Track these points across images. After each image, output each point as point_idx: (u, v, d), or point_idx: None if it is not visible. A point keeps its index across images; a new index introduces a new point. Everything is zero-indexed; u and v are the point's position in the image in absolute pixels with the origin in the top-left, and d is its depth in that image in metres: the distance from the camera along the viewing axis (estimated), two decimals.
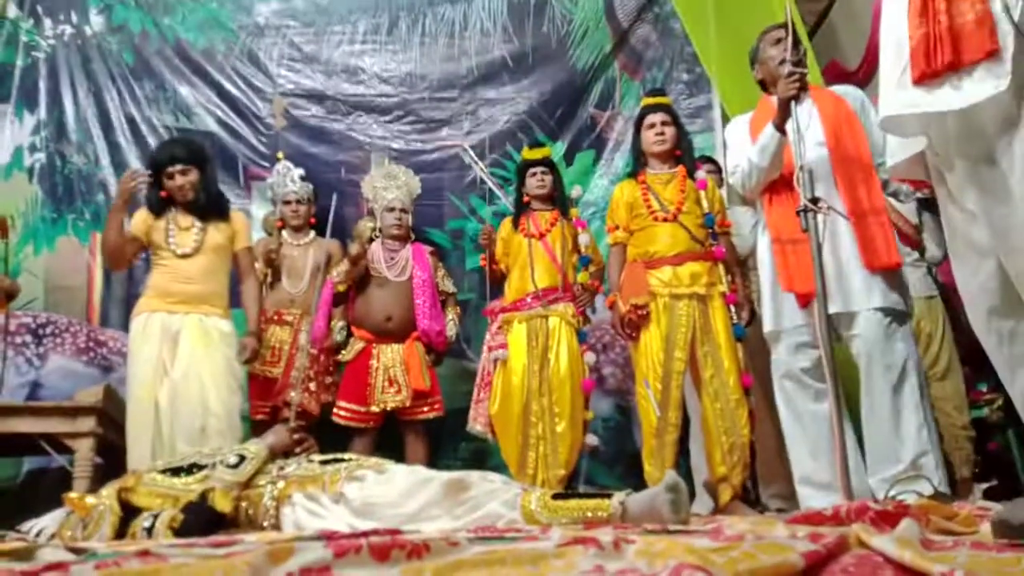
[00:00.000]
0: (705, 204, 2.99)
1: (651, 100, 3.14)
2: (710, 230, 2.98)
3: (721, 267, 2.95)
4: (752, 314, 2.95)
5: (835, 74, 3.86)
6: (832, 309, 2.22)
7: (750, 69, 2.73)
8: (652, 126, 3.04)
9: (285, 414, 3.36)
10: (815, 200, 1.99)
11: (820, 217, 1.98)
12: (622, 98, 4.24)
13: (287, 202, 3.67)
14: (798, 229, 2.11)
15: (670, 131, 3.04)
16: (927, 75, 1.60)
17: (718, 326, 2.83)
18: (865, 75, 3.46)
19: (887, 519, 1.25)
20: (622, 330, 2.92)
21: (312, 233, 3.70)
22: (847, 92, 2.53)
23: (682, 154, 3.08)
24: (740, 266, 3.06)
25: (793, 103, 2.21)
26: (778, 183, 2.46)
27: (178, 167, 2.94)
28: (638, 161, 3.12)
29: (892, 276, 2.31)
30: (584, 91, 4.24)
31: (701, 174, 3.06)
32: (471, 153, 3.96)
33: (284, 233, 3.68)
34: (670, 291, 2.85)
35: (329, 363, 3.49)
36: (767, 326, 2.49)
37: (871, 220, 2.28)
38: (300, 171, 3.73)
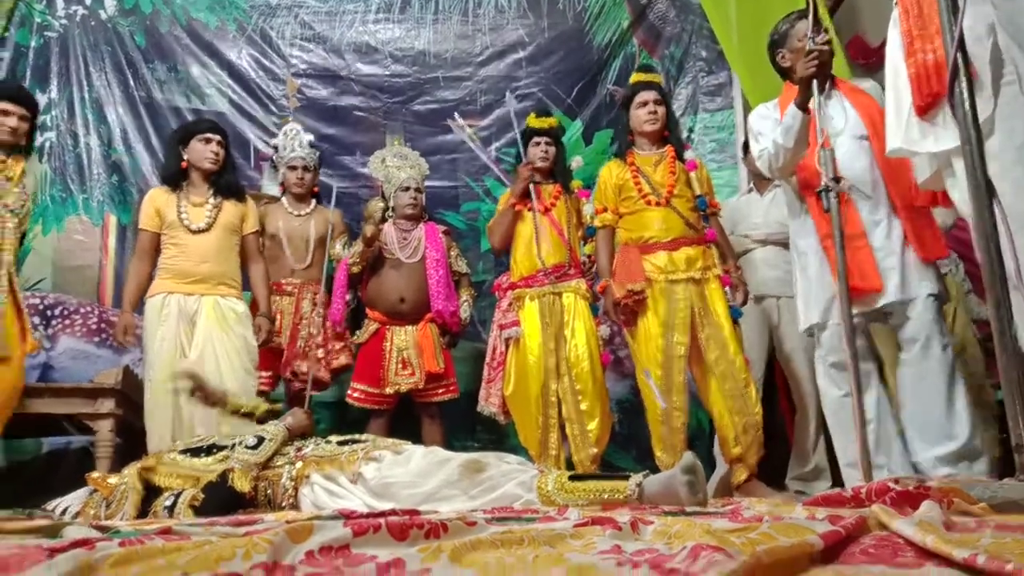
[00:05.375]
0: (696, 186, 2.94)
1: (643, 77, 3.06)
2: (702, 212, 2.94)
3: (714, 249, 2.92)
4: (746, 295, 2.92)
5: (858, 49, 3.79)
6: (890, 299, 2.23)
7: (768, 55, 2.65)
8: (644, 104, 2.97)
9: (295, 386, 3.34)
10: (837, 180, 1.96)
11: (858, 204, 1.96)
12: None
13: (292, 167, 3.52)
14: (850, 225, 2.11)
15: (662, 110, 2.98)
16: (921, 109, 1.78)
17: (717, 308, 2.81)
18: None
19: (908, 500, 1.24)
20: (616, 316, 2.89)
21: (313, 202, 3.59)
22: (869, 88, 2.45)
23: (670, 134, 3.02)
24: (732, 249, 3.04)
25: (815, 81, 2.16)
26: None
27: (216, 136, 3.04)
28: (627, 140, 3.06)
29: (936, 265, 2.32)
30: (602, 68, 4.17)
31: (690, 155, 3.03)
32: (460, 120, 3.91)
33: (284, 200, 3.56)
34: (666, 277, 2.82)
35: (339, 330, 3.41)
36: (812, 318, 2.41)
37: (920, 212, 2.26)
38: (309, 136, 3.61)
